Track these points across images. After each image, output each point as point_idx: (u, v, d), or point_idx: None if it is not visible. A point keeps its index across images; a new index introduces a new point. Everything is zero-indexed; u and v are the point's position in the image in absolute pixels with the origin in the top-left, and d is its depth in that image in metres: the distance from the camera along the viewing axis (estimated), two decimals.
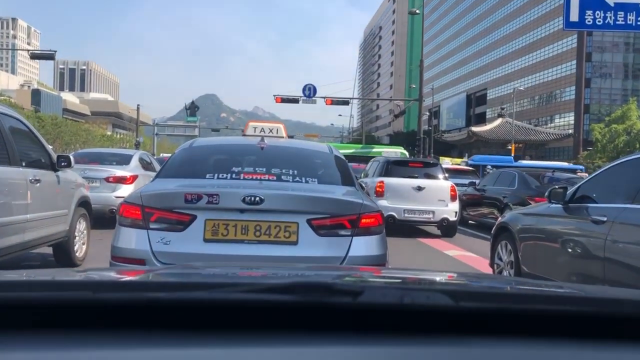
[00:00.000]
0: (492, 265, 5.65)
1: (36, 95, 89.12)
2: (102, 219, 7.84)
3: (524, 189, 10.15)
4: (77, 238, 5.76)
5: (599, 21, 17.34)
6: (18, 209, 4.49)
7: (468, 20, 76.00)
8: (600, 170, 4.50)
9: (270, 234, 2.91)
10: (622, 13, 17.29)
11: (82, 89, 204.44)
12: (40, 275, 1.24)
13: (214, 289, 0.89)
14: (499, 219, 6.02)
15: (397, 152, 21.40)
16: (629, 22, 17.20)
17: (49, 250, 5.60)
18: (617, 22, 17.29)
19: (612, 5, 17.24)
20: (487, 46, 69.78)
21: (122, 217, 3.02)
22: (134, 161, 9.84)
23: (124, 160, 9.80)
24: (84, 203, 5.95)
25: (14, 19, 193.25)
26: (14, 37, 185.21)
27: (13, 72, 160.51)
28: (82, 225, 5.91)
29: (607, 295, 1.14)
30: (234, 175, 3.30)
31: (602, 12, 17.22)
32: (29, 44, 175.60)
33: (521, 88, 54.09)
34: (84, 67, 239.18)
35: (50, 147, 5.53)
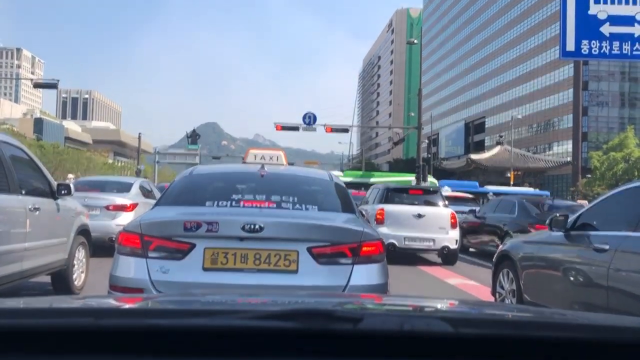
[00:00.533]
0: (493, 293, 5.59)
1: (38, 123, 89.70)
2: (102, 247, 7.81)
3: (524, 216, 10.13)
4: (76, 266, 5.73)
5: (595, 50, 17.54)
6: (17, 238, 4.48)
7: (466, 50, 77.16)
8: (602, 198, 4.50)
9: (270, 262, 2.87)
10: (618, 43, 17.51)
11: (85, 118, 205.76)
12: (39, 303, 1.24)
13: (214, 316, 0.89)
14: (500, 246, 6.00)
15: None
16: (624, 51, 17.40)
17: (47, 279, 5.56)
18: (613, 52, 17.48)
19: (608, 35, 17.48)
20: (485, 75, 70.68)
21: (121, 245, 3.00)
22: (135, 189, 9.85)
23: (125, 188, 9.80)
24: (83, 231, 5.94)
25: (18, 49, 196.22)
26: (18, 66, 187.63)
27: (16, 100, 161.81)
28: (81, 254, 5.89)
29: (607, 323, 1.14)
30: (233, 203, 3.28)
31: (597, 41, 17.45)
32: (32, 73, 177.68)
33: (519, 116, 54.55)
34: (87, 96, 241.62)
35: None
